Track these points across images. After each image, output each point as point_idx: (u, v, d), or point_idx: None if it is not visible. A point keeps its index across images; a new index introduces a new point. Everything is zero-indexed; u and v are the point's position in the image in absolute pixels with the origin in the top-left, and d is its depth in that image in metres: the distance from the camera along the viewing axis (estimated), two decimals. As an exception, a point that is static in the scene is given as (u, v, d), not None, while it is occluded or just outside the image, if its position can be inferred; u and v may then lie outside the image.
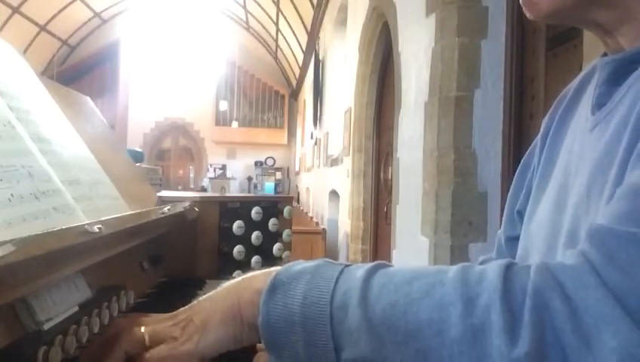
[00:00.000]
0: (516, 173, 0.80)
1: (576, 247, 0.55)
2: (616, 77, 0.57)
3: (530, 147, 0.79)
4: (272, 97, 15.34)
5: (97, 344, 0.60)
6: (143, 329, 0.57)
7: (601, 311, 0.39)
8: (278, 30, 12.23)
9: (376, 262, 0.51)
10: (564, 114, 0.72)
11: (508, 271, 0.44)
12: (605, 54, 0.62)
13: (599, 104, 0.59)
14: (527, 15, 0.61)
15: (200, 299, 0.58)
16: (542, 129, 0.76)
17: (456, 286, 0.44)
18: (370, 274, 0.49)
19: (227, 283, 0.57)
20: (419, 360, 0.43)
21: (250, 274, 0.56)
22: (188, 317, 0.56)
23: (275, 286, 0.51)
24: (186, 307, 0.58)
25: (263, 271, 0.55)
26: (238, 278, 0.57)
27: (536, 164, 0.74)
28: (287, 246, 1.59)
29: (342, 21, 6.79)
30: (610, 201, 0.47)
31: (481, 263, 0.84)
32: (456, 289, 0.44)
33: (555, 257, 0.60)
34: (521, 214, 0.75)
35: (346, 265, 0.52)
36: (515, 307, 0.41)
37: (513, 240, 0.76)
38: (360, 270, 0.50)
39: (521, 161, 0.80)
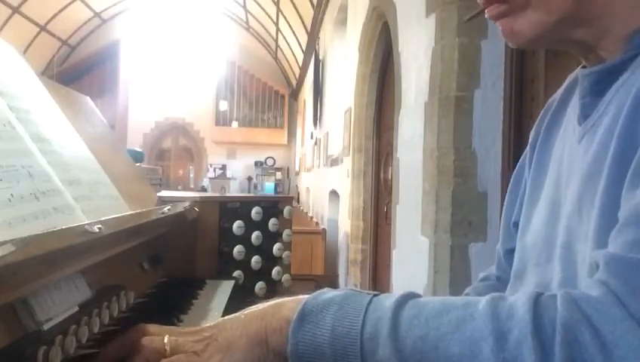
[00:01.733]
0: (509, 186, 0.81)
1: (572, 261, 0.55)
2: (599, 88, 0.58)
3: (521, 159, 0.79)
4: (272, 97, 15.33)
5: (117, 347, 0.60)
6: (165, 339, 0.56)
7: (630, 343, 0.40)
8: (278, 30, 12.23)
9: (405, 292, 0.52)
10: (550, 125, 0.73)
11: (537, 304, 0.45)
12: (584, 66, 0.63)
13: (584, 115, 0.60)
14: (511, 45, 0.61)
15: (225, 318, 0.58)
16: (530, 141, 0.77)
17: (487, 321, 0.45)
18: (399, 305, 0.49)
19: (254, 307, 0.57)
20: None
21: (278, 300, 0.56)
22: (213, 336, 0.55)
23: (303, 316, 0.51)
24: (211, 324, 0.58)
25: (292, 298, 0.55)
26: (266, 303, 0.57)
27: (527, 176, 0.75)
28: (287, 246, 1.59)
29: (342, 21, 6.79)
30: (609, 218, 0.47)
31: (482, 280, 0.86)
32: (486, 324, 0.44)
33: (552, 269, 0.60)
34: (517, 226, 0.76)
35: (375, 294, 0.52)
36: (546, 342, 0.42)
37: (512, 253, 0.76)
38: (389, 300, 0.50)
39: (513, 173, 0.81)
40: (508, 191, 0.81)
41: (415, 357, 0.46)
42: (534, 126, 0.77)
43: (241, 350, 0.53)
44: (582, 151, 0.58)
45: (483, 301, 0.47)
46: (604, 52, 0.58)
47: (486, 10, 0.61)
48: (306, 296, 0.53)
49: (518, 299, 0.46)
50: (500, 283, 0.81)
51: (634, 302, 0.41)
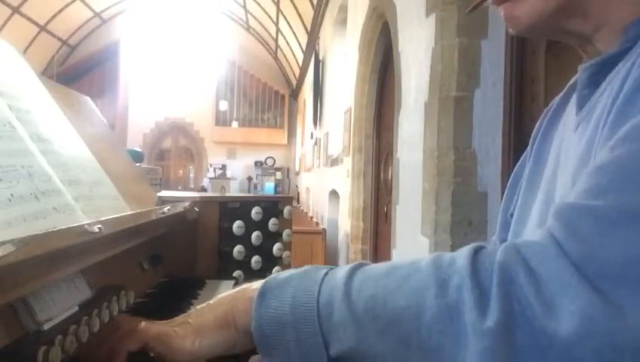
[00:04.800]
0: (510, 180, 0.83)
1: None
2: (596, 79, 0.59)
3: (523, 155, 0.81)
4: (272, 97, 15.33)
5: (100, 342, 0.62)
6: (142, 323, 0.60)
7: (561, 279, 0.41)
8: (278, 30, 12.23)
9: (357, 262, 0.55)
10: (550, 121, 0.75)
11: (476, 253, 0.47)
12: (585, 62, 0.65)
13: (581, 105, 0.62)
14: (511, 31, 0.64)
15: (198, 306, 0.62)
16: (532, 137, 0.79)
17: (430, 272, 0.47)
18: (352, 272, 0.53)
19: (225, 293, 0.61)
20: (401, 345, 0.46)
21: (245, 284, 0.60)
22: (185, 320, 0.60)
23: (265, 292, 0.54)
24: (185, 313, 0.62)
25: (258, 281, 0.58)
26: (236, 288, 0.61)
27: (526, 170, 0.77)
28: (287, 246, 1.59)
29: (342, 21, 6.79)
30: None
31: None
32: (429, 275, 0.47)
33: None
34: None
35: (331, 268, 0.56)
36: (484, 283, 0.44)
37: None
38: (342, 269, 0.54)
39: (515, 168, 0.82)
40: (508, 184, 0.83)
41: (367, 315, 0.48)
42: (537, 123, 0.78)
43: (211, 332, 0.57)
44: (576, 139, 0.60)
45: (427, 257, 0.50)
46: (600, 44, 0.60)
47: None
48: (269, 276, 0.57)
49: (459, 250, 0.49)
50: None
51: (570, 242, 0.42)
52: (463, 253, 0.47)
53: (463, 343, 0.43)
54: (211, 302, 0.61)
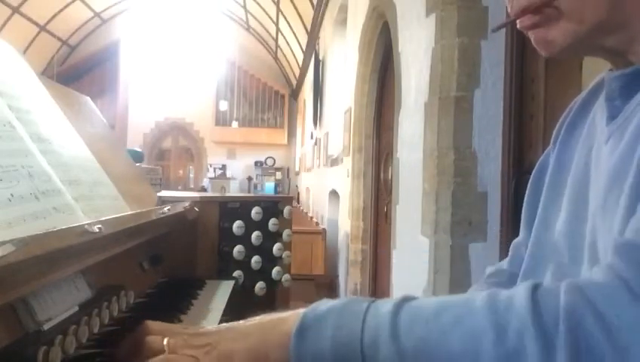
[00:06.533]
0: (531, 180, 0.81)
1: (597, 260, 0.54)
2: (629, 91, 0.58)
3: (543, 155, 0.80)
4: (272, 97, 15.33)
5: (124, 347, 0.60)
6: (165, 340, 0.56)
7: (637, 326, 0.39)
8: (278, 30, 12.23)
9: (402, 296, 0.51)
10: (570, 125, 0.73)
11: (535, 293, 0.44)
12: (611, 69, 0.64)
13: (612, 116, 0.60)
14: (543, 54, 0.62)
15: (226, 325, 0.57)
16: (552, 137, 0.77)
17: (486, 314, 0.44)
18: (397, 308, 0.49)
19: (256, 319, 0.56)
20: None
21: (278, 313, 0.56)
22: (213, 343, 0.54)
23: (303, 329, 0.50)
24: (212, 330, 0.57)
25: (291, 311, 0.54)
26: (267, 316, 0.56)
27: (547, 173, 0.75)
28: (287, 246, 1.59)
29: (342, 21, 6.79)
30: (633, 214, 0.47)
31: (490, 276, 0.84)
32: (486, 317, 0.44)
33: (579, 270, 0.60)
34: None
35: (372, 301, 0.52)
36: (548, 329, 0.41)
37: None
38: (387, 304, 0.50)
39: (536, 168, 0.80)
40: (530, 183, 0.80)
41: (417, 359, 0.45)
42: (557, 125, 0.77)
43: None
44: (608, 151, 0.58)
45: (481, 296, 0.47)
46: (633, 56, 0.59)
47: (518, 21, 0.61)
48: (305, 309, 0.53)
49: (517, 289, 0.46)
50: (511, 281, 0.79)
51: None
52: (521, 294, 0.44)
53: None
54: (242, 326, 0.56)
